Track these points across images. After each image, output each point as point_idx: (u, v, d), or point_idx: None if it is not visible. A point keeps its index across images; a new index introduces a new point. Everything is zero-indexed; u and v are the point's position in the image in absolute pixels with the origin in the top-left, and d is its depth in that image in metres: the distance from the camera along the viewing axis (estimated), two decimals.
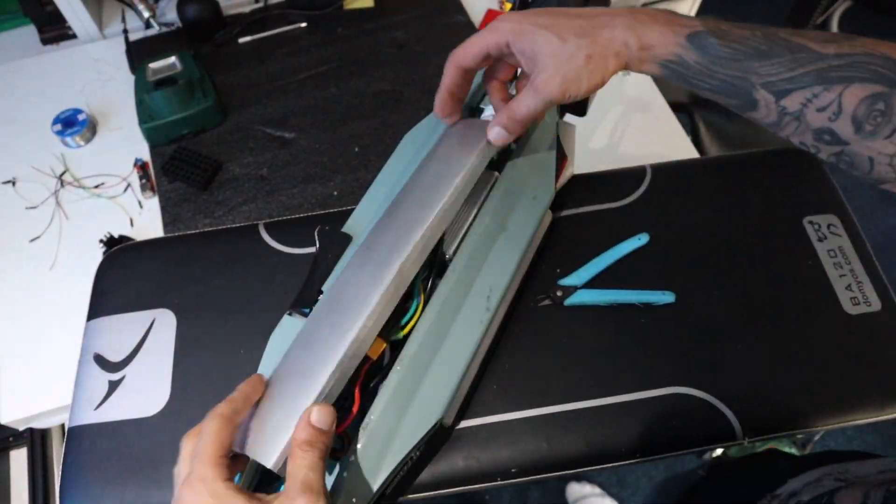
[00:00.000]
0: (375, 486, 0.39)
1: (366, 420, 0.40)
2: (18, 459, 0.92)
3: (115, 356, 0.52)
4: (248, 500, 0.32)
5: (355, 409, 0.41)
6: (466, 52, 0.43)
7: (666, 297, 0.48)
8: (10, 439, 0.92)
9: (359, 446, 0.39)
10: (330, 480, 0.40)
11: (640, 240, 0.52)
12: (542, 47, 0.40)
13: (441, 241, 0.46)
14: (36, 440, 0.91)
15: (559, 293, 0.51)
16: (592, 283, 0.52)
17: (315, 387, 0.37)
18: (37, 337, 0.74)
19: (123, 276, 0.56)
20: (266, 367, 0.43)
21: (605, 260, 0.52)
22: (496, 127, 0.45)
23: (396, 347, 0.43)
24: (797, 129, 0.37)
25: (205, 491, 0.32)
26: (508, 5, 1.00)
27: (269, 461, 0.34)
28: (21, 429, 0.74)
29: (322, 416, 0.35)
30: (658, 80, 0.97)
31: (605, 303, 0.51)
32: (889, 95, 0.34)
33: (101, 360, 0.51)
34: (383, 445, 0.40)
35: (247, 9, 1.06)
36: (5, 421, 0.70)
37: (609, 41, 0.40)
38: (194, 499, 0.32)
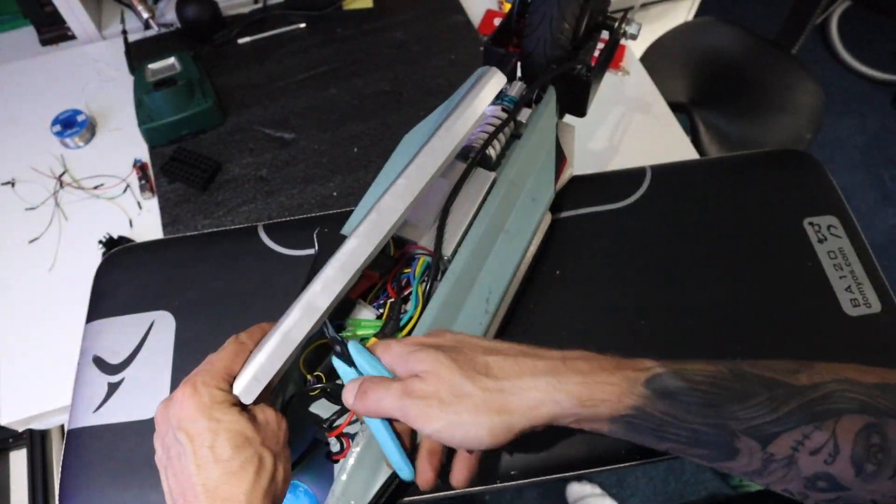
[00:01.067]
0: (374, 489, 0.39)
1: (365, 422, 0.40)
2: (18, 460, 0.92)
3: (114, 358, 0.51)
4: (229, 408, 0.34)
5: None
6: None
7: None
8: (10, 440, 0.92)
9: (357, 448, 0.39)
10: (329, 482, 0.40)
11: None
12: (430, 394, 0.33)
13: (441, 242, 0.46)
14: (35, 441, 0.91)
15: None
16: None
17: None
18: (36, 338, 0.74)
19: (122, 278, 0.56)
20: None
21: None
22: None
23: None
24: (785, 476, 0.31)
25: (198, 391, 0.34)
26: (508, 5, 1.00)
27: (237, 389, 0.36)
28: (20, 430, 0.74)
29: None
30: (658, 81, 0.97)
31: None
32: (880, 426, 0.30)
33: (100, 363, 0.51)
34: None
35: (246, 9, 1.06)
36: (5, 422, 0.70)
37: (526, 402, 0.32)
38: (183, 392, 0.34)
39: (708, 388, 0.32)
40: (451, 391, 0.33)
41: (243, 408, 0.36)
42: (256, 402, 0.36)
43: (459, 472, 0.38)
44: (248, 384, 0.36)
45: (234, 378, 0.36)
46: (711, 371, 0.33)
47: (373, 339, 0.41)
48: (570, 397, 0.32)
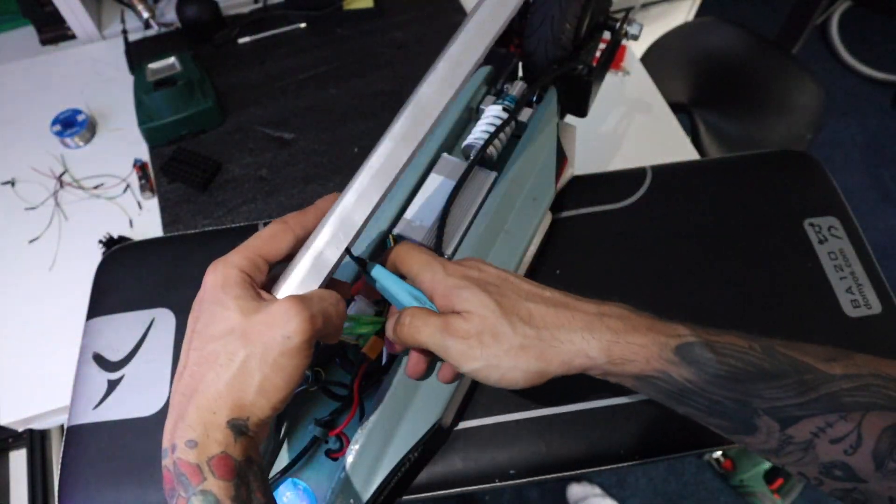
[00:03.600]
0: (373, 487, 0.39)
1: (364, 420, 0.40)
2: (18, 460, 0.92)
3: (114, 355, 0.51)
4: (245, 291, 0.31)
5: (354, 409, 0.41)
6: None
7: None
8: (10, 440, 0.91)
9: (357, 447, 0.39)
10: (328, 481, 0.40)
11: None
12: (473, 324, 0.34)
13: (441, 240, 0.46)
14: (35, 441, 0.90)
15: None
16: None
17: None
18: (36, 338, 0.74)
19: (123, 276, 0.56)
20: None
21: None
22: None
23: None
24: (801, 459, 0.31)
25: (219, 272, 0.32)
26: None
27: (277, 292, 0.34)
28: (20, 430, 0.74)
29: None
30: (658, 81, 0.97)
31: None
32: None
33: (100, 360, 0.51)
34: (381, 446, 0.40)
35: (246, 9, 1.06)
36: (4, 422, 0.70)
37: (561, 354, 0.34)
38: (207, 276, 0.32)
39: (736, 363, 0.32)
40: (492, 333, 0.34)
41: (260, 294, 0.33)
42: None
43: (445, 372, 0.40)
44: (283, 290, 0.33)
45: (266, 261, 0.34)
46: (743, 346, 0.33)
47: (409, 246, 0.39)
48: (602, 354, 0.34)
